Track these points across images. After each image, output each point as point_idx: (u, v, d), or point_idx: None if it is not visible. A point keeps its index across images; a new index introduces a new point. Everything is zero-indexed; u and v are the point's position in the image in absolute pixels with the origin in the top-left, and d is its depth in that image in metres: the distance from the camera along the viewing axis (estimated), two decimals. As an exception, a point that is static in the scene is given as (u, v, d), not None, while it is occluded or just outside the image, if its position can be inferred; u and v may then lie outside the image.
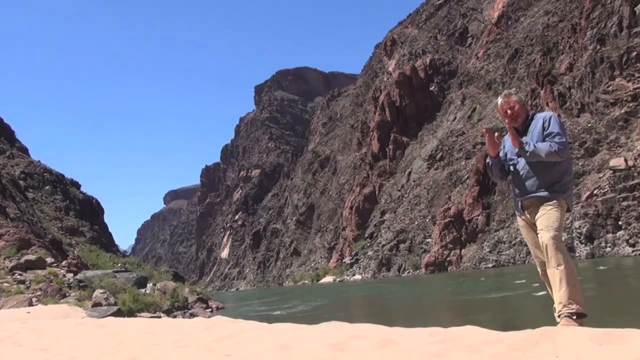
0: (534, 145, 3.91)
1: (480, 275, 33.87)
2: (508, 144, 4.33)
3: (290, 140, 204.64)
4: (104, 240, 68.29)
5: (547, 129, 4.00)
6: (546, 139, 3.97)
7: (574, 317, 3.61)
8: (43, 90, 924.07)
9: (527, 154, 3.94)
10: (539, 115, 4.19)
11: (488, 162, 4.36)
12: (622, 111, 41.92)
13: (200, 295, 25.55)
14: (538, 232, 3.89)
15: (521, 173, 4.12)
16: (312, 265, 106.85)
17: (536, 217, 3.98)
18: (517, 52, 74.75)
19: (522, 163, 4.11)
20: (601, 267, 23.80)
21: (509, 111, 4.22)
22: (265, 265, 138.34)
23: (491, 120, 66.67)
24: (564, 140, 3.95)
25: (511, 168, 4.25)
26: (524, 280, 20.29)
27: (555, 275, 3.72)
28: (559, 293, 3.71)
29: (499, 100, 4.31)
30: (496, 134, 4.23)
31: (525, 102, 4.53)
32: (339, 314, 18.28)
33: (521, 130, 4.21)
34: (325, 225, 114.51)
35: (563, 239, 3.94)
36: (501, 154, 4.35)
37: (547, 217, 3.88)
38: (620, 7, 47.26)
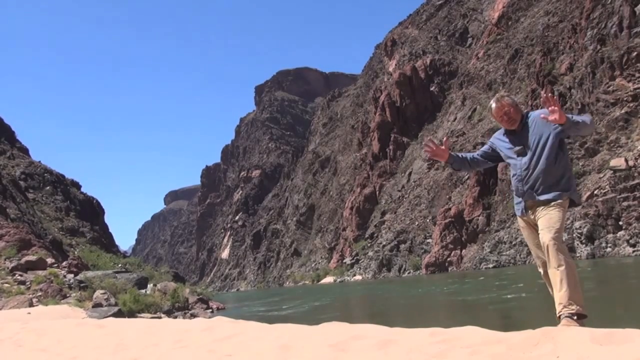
0: (580, 118, 3.88)
1: (480, 275, 33.85)
2: (505, 145, 4.27)
3: (290, 141, 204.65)
4: (105, 241, 68.10)
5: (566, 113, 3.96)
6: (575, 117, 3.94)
7: (575, 318, 3.60)
8: (43, 90, 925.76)
9: (579, 126, 3.88)
10: (534, 113, 4.14)
11: (448, 165, 4.42)
12: (623, 111, 41.91)
13: (200, 296, 25.51)
14: (539, 232, 3.86)
15: (523, 173, 4.05)
16: (313, 265, 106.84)
17: (537, 217, 3.94)
18: (518, 52, 74.72)
19: (523, 162, 4.04)
20: (591, 269, 23.78)
21: (504, 117, 4.17)
22: (265, 265, 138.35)
23: (491, 121, 66.70)
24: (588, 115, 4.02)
25: (511, 170, 4.22)
26: (520, 284, 20.29)
27: (556, 275, 3.71)
28: (559, 294, 3.69)
29: (493, 105, 4.22)
30: (444, 139, 4.33)
31: (519, 102, 4.51)
32: (339, 314, 18.28)
33: (518, 131, 4.18)
34: (325, 225, 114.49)
35: (563, 239, 3.91)
36: (492, 151, 4.40)
37: (548, 217, 3.85)
38: (620, 7, 47.26)
